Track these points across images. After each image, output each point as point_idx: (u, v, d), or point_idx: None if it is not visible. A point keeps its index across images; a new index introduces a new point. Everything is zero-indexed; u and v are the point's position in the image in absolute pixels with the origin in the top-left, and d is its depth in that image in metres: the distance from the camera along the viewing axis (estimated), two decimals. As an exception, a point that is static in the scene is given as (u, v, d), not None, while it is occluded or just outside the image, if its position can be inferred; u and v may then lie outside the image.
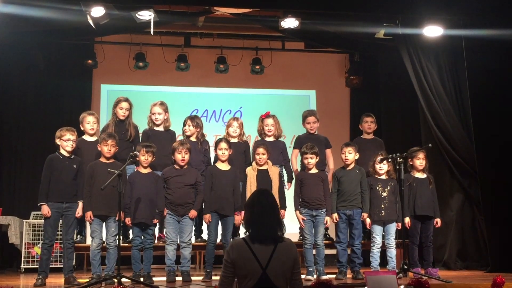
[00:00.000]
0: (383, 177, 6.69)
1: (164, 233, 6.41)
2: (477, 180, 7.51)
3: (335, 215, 6.48)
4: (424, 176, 6.89)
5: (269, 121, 7.17)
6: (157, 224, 6.41)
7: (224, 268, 3.72)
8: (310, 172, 6.56)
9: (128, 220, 6.07)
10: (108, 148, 6.13)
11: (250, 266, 3.61)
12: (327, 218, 6.48)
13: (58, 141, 6.19)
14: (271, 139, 7.15)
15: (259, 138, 7.27)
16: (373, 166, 6.72)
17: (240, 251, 3.66)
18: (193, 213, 6.26)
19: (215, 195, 6.35)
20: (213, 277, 6.12)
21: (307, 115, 7.37)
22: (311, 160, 6.50)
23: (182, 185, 6.25)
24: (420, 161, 6.83)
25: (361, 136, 7.62)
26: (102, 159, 6.19)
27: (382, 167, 6.66)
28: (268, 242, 3.65)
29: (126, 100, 6.93)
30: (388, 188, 6.61)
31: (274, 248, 3.63)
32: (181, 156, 6.27)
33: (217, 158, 6.57)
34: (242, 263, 3.63)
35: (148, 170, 6.28)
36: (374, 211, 6.56)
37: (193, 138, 6.90)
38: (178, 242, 6.27)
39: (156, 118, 6.91)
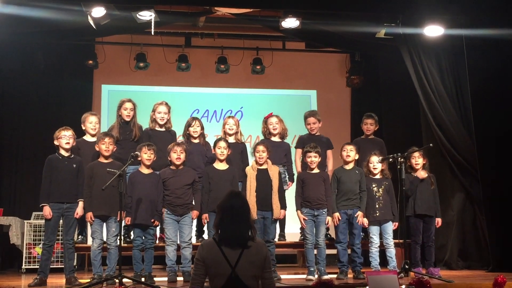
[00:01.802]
0: (378, 176, 6.69)
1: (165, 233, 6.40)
2: (478, 179, 7.50)
3: (336, 215, 6.47)
4: (425, 175, 6.88)
5: (273, 119, 7.19)
6: (159, 224, 6.40)
7: (195, 267, 3.76)
8: (311, 172, 6.56)
9: (128, 220, 6.07)
10: (106, 146, 6.13)
11: (219, 265, 3.65)
12: (329, 218, 6.48)
13: (56, 142, 6.21)
14: (276, 139, 7.16)
15: (262, 138, 7.28)
16: (367, 166, 6.72)
17: (210, 250, 3.70)
18: (195, 213, 6.29)
19: (213, 195, 6.34)
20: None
21: (307, 116, 7.38)
22: (315, 158, 6.50)
23: (180, 186, 6.26)
24: (415, 160, 6.82)
25: (361, 137, 7.61)
26: (101, 159, 6.19)
27: (376, 166, 6.65)
28: (236, 247, 3.69)
29: (130, 100, 6.95)
30: (383, 188, 6.61)
31: (241, 252, 3.67)
32: (177, 155, 6.27)
33: (215, 158, 6.57)
34: (212, 262, 3.67)
35: (149, 171, 6.27)
36: (369, 212, 6.56)
37: (196, 140, 6.90)
38: (178, 242, 6.27)
39: (162, 118, 6.91)
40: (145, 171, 6.26)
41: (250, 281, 3.66)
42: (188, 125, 6.93)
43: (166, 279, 6.18)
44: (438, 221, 6.82)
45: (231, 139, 6.92)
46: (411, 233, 6.73)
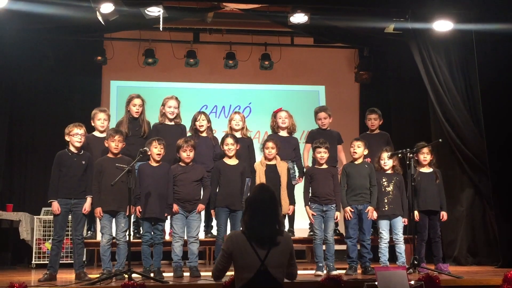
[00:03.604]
0: (389, 171, 6.66)
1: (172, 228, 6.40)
2: (487, 175, 7.47)
3: (348, 208, 6.46)
4: (430, 170, 6.83)
5: (283, 114, 7.20)
6: (168, 219, 6.40)
7: (220, 257, 3.86)
8: (320, 167, 6.55)
9: (138, 209, 6.07)
10: (115, 144, 6.15)
11: (248, 258, 3.71)
12: (337, 213, 6.47)
13: (67, 138, 6.24)
14: (284, 133, 7.16)
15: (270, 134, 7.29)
16: (378, 161, 6.71)
17: (239, 242, 3.77)
18: (201, 207, 6.30)
19: (224, 191, 6.35)
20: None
21: (318, 111, 7.38)
22: (324, 154, 6.49)
23: (189, 182, 6.27)
24: (424, 156, 6.77)
25: (367, 132, 7.59)
26: (110, 155, 6.21)
27: (387, 163, 6.63)
28: (265, 241, 3.76)
29: (139, 96, 6.96)
30: (393, 183, 6.59)
31: (270, 246, 3.75)
32: (186, 154, 6.28)
33: (223, 155, 6.58)
34: (240, 255, 3.74)
35: (158, 163, 6.28)
36: (378, 206, 6.54)
37: (204, 134, 6.91)
38: (185, 238, 6.28)
39: (172, 112, 6.93)
40: (154, 163, 6.27)
41: (278, 274, 3.76)
42: (194, 119, 6.96)
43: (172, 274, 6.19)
44: (443, 214, 6.75)
45: (238, 135, 6.92)
46: (417, 230, 6.69)
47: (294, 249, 3.95)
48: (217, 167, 6.50)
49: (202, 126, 6.91)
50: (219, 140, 6.99)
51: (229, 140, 6.47)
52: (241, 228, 3.94)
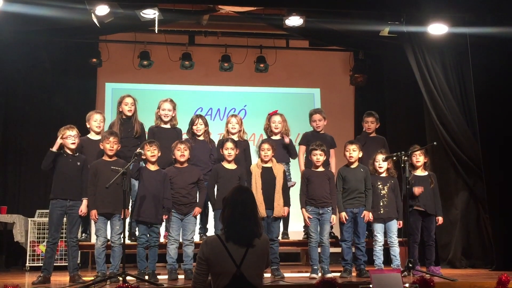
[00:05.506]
0: (383, 174, 6.68)
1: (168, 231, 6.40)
2: (482, 178, 7.50)
3: (343, 214, 6.47)
4: (425, 174, 6.85)
5: (277, 118, 7.17)
6: (164, 222, 6.39)
7: (197, 265, 3.68)
8: (316, 170, 6.55)
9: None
10: (110, 146, 6.14)
11: (224, 264, 3.58)
12: (333, 216, 6.48)
13: (60, 140, 6.21)
14: (277, 137, 7.15)
15: (265, 137, 7.29)
16: (372, 164, 6.72)
17: (214, 248, 3.62)
18: (198, 210, 6.29)
19: (220, 194, 6.33)
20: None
21: (313, 113, 7.38)
22: (320, 157, 6.49)
23: (185, 185, 6.26)
24: (416, 158, 6.80)
25: (363, 135, 7.60)
26: (105, 158, 6.20)
27: (382, 165, 6.64)
28: (242, 244, 3.62)
29: (130, 96, 6.96)
30: (388, 186, 6.60)
31: (247, 249, 3.62)
32: (180, 153, 6.27)
33: (220, 159, 6.57)
34: (216, 261, 3.60)
35: (156, 167, 6.27)
36: (373, 209, 6.55)
37: (201, 137, 6.91)
38: (181, 240, 6.28)
39: (165, 114, 6.92)
40: (152, 167, 6.25)
41: (255, 279, 3.61)
42: (192, 123, 6.95)
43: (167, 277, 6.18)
44: (439, 219, 6.80)
45: (234, 138, 6.92)
46: (409, 232, 6.70)
47: (269, 250, 3.84)
48: (216, 170, 6.50)
49: (199, 130, 6.90)
50: (216, 143, 6.99)
51: (229, 145, 6.46)
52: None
